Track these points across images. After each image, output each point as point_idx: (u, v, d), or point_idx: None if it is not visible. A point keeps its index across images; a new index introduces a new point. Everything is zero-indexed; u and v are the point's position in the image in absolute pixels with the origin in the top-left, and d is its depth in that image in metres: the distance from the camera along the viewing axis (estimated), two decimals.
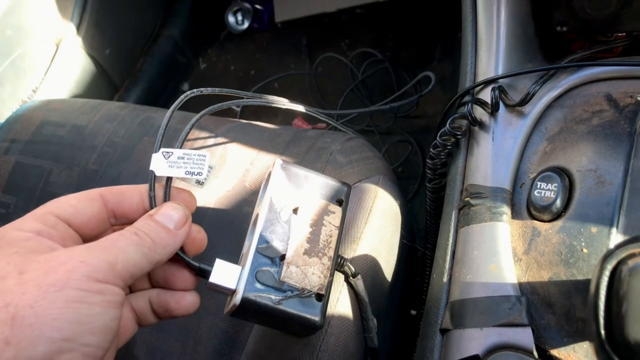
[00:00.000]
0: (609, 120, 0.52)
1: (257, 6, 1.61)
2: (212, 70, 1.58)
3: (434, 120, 1.19)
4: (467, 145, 0.58)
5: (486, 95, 0.57)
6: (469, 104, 0.57)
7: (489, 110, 0.56)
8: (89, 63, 1.28)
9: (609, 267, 0.32)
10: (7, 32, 1.14)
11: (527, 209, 0.52)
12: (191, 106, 1.44)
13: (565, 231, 0.48)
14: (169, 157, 0.48)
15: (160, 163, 0.47)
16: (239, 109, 1.43)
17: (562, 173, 0.51)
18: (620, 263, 0.33)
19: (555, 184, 0.50)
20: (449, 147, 0.58)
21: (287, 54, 1.51)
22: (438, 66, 1.33)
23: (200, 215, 0.66)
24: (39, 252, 0.36)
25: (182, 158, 0.48)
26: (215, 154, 0.73)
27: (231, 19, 1.62)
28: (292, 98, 1.40)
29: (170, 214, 0.44)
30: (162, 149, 0.48)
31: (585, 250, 0.47)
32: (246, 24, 1.60)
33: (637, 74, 0.54)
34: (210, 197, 0.68)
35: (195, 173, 0.49)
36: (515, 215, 0.52)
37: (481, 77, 0.59)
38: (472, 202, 0.54)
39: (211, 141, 0.75)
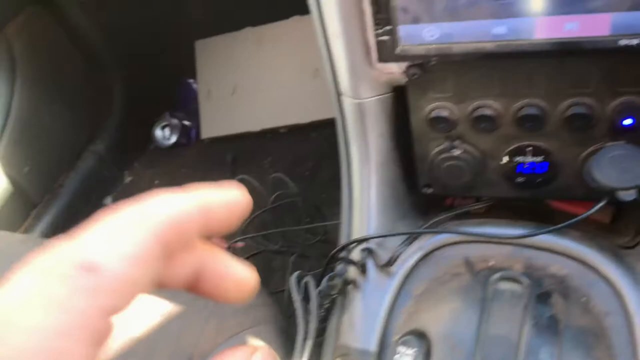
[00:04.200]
0: (465, 284, 0.56)
1: (185, 122, 1.66)
2: (137, 184, 1.59)
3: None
4: (341, 304, 0.60)
5: (359, 254, 0.60)
6: (343, 264, 0.60)
7: (360, 270, 0.59)
8: (4, 181, 1.27)
9: None
10: None
11: None
12: None
13: None
14: None
15: None
16: None
17: (423, 337, 0.54)
18: None
19: (415, 349, 0.52)
20: (327, 305, 0.60)
21: (211, 170, 1.55)
22: None
23: None
24: None
25: None
26: None
27: (159, 133, 1.66)
28: None
29: None
30: None
31: None
32: (173, 139, 1.64)
33: (491, 240, 0.58)
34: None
35: None
36: None
37: (355, 235, 0.63)
38: None
39: None
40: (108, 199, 1.55)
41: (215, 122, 1.63)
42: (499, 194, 0.61)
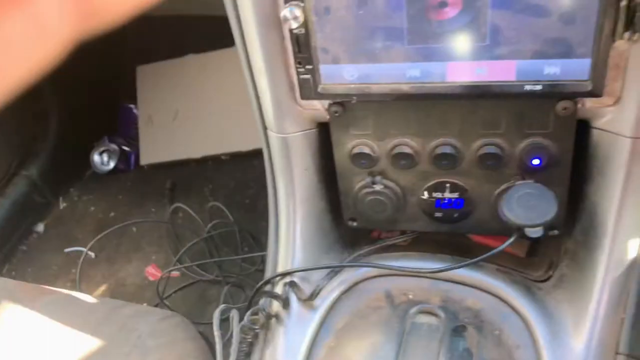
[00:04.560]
0: (385, 318, 0.57)
1: (124, 148, 1.63)
2: (72, 211, 1.54)
3: None
4: (264, 338, 0.60)
5: (282, 288, 0.61)
6: (265, 298, 0.60)
7: (282, 304, 0.59)
8: None
9: None
10: None
11: None
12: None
13: None
14: None
15: None
16: (92, 254, 1.39)
17: None
18: None
19: None
20: (249, 340, 0.60)
21: (149, 197, 1.52)
22: None
23: None
24: None
25: None
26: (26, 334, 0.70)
27: (97, 158, 1.62)
28: (150, 243, 1.40)
29: None
30: None
31: None
32: (112, 165, 1.61)
33: (411, 273, 0.60)
34: None
35: None
36: None
37: (281, 269, 0.63)
38: None
39: (23, 317, 0.72)
40: (40, 226, 1.50)
41: (156, 148, 1.61)
42: (420, 227, 0.63)
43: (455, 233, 0.66)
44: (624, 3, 0.43)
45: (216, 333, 0.56)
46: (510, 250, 0.64)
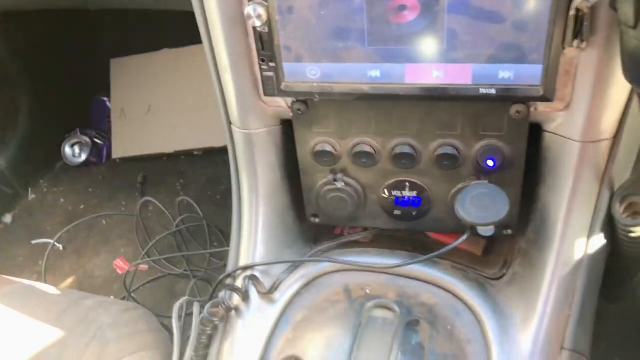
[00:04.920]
0: (342, 311, 0.59)
1: (97, 140, 1.62)
2: (41, 202, 1.53)
3: None
4: (223, 330, 0.61)
5: (243, 281, 0.62)
6: (226, 291, 0.61)
7: (242, 297, 0.60)
8: None
9: None
10: None
11: None
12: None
13: None
14: None
15: None
16: (60, 246, 1.38)
17: None
18: None
19: None
20: (209, 332, 0.61)
21: (120, 189, 1.51)
22: None
23: None
24: None
25: None
26: None
27: (68, 150, 1.61)
28: (119, 236, 1.40)
29: None
30: None
31: None
32: (83, 157, 1.60)
33: (369, 269, 0.61)
34: None
35: None
36: None
37: (242, 263, 0.64)
38: None
39: None
40: (7, 217, 1.48)
41: (128, 142, 1.60)
42: (380, 225, 0.65)
43: (414, 231, 0.68)
44: (572, 13, 0.45)
45: (175, 324, 0.57)
46: (466, 249, 0.66)
